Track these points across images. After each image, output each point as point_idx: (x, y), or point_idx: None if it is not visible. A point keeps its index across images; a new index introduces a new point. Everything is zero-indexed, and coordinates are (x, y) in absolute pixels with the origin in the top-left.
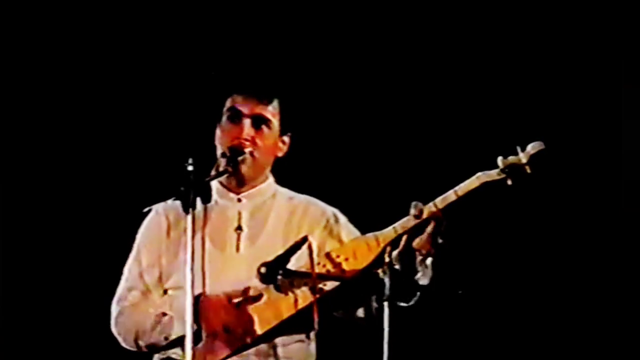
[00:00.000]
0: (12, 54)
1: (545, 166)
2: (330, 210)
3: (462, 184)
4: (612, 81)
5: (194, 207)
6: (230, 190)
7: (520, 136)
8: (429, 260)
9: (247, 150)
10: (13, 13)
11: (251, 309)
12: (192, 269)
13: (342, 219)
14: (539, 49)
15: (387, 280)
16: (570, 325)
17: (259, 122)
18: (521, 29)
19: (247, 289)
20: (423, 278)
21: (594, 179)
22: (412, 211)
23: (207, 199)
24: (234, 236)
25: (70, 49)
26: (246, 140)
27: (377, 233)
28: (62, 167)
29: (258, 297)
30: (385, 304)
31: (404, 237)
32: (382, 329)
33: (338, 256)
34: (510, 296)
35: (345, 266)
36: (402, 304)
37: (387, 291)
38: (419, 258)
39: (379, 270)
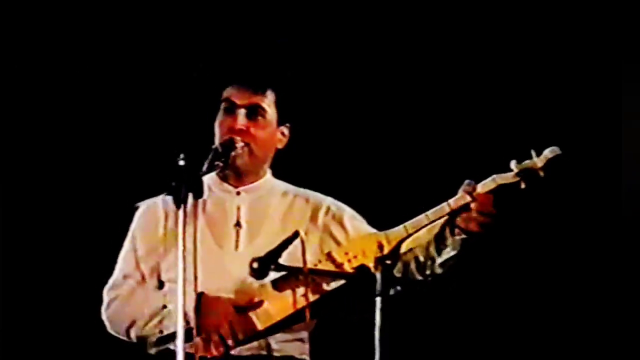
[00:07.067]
0: (8, 51)
1: (556, 170)
2: (329, 200)
3: (477, 185)
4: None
5: (185, 202)
6: (229, 183)
7: (524, 139)
8: (459, 237)
9: (239, 145)
10: (8, 11)
11: (251, 311)
12: (184, 264)
13: (339, 208)
14: (553, 55)
15: (378, 276)
16: (585, 327)
17: (254, 111)
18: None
19: (252, 297)
20: (445, 254)
21: (603, 184)
22: (466, 188)
23: (199, 194)
24: (232, 233)
25: (64, 46)
26: (240, 130)
27: (388, 232)
28: (55, 162)
29: (260, 304)
30: (378, 299)
31: (441, 221)
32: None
33: (347, 253)
34: (519, 298)
35: (354, 263)
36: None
37: (379, 287)
38: (456, 237)
39: (371, 266)
